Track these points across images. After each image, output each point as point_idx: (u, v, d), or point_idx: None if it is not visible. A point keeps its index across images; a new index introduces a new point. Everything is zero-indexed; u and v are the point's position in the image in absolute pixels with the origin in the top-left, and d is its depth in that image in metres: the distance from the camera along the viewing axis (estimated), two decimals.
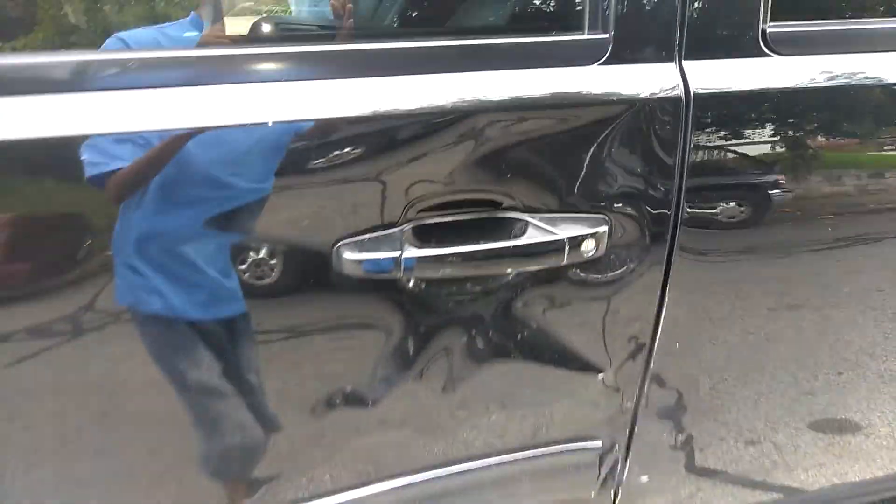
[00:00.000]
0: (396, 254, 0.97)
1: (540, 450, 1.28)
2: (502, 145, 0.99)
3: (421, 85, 0.95)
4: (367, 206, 0.96)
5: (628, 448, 1.35)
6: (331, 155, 0.92)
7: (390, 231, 0.98)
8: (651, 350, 1.22)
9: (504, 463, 1.27)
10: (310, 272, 0.98)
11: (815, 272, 1.27)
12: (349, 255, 0.96)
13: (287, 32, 1.22)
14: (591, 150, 1.02)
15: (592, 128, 1.02)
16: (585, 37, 1.02)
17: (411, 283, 1.02)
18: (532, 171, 1.02)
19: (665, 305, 1.17)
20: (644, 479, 1.41)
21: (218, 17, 1.04)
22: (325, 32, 1.22)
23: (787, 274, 1.25)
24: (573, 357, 1.20)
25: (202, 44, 0.99)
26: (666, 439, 1.38)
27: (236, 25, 1.11)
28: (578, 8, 1.04)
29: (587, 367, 1.21)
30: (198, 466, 1.10)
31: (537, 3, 1.25)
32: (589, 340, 1.19)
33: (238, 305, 0.98)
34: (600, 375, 1.22)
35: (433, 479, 1.23)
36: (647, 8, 1.02)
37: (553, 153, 1.02)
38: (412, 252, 0.98)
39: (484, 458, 1.26)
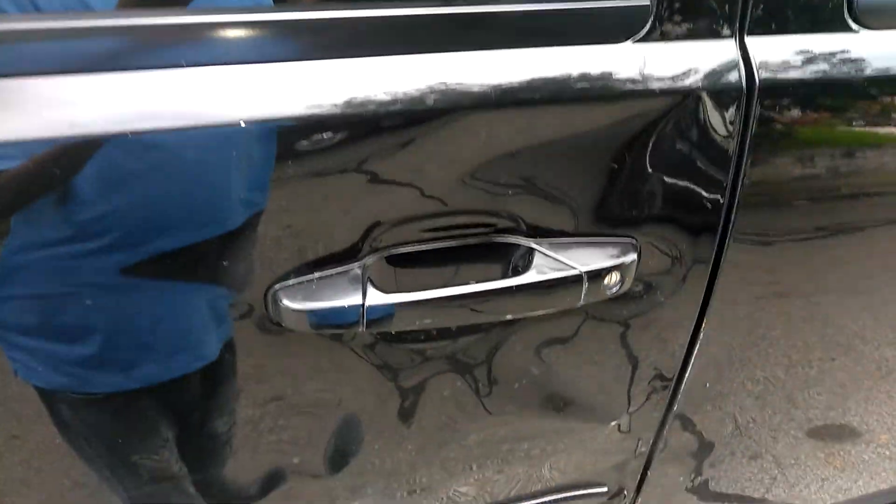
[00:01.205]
0: (356, 300, 0.71)
1: (537, 500, 1.06)
2: (501, 149, 0.72)
3: (385, 69, 0.67)
4: (314, 232, 0.70)
5: (637, 492, 1.14)
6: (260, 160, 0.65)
7: (347, 267, 0.72)
8: (676, 391, 0.99)
9: None
10: (234, 329, 0.72)
11: None
12: (289, 302, 0.70)
13: None
14: (618, 154, 0.76)
15: (621, 126, 0.75)
16: (617, 3, 0.74)
17: (376, 338, 0.77)
18: (539, 183, 0.76)
19: (698, 343, 0.94)
20: None
21: None
22: None
23: (857, 317, 1.02)
24: (582, 402, 0.97)
25: None
26: (682, 482, 1.17)
27: None
28: None
29: (598, 412, 0.99)
30: None
31: None
32: (602, 383, 0.95)
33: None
34: (613, 422, 1.00)
35: None
36: None
37: (568, 159, 0.76)
38: (377, 297, 0.72)
39: None
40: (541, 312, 0.80)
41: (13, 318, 0.63)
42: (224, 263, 0.67)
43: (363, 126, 0.66)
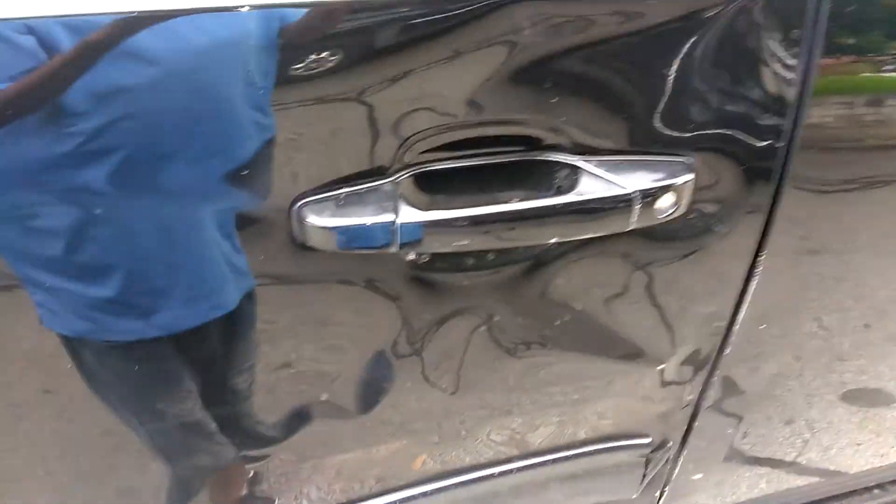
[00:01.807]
0: (389, 218, 0.65)
1: (578, 450, 1.00)
2: (544, 51, 0.65)
3: None
4: (342, 144, 0.64)
5: (683, 444, 1.07)
6: (281, 64, 0.58)
7: (378, 182, 0.66)
8: (729, 333, 0.92)
9: (533, 466, 0.99)
10: (257, 249, 0.66)
11: None
12: (315, 219, 0.64)
13: None
14: (674, 57, 0.68)
15: (676, 22, 0.67)
16: None
17: (413, 256, 0.71)
18: (586, 92, 0.68)
19: (755, 277, 0.86)
20: (698, 476, 1.15)
21: None
22: None
23: None
24: (628, 343, 0.90)
25: None
26: (731, 433, 1.10)
27: None
28: None
29: (645, 355, 0.92)
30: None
31: None
32: (649, 323, 0.88)
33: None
34: (660, 366, 0.93)
35: (446, 488, 0.96)
36: None
37: (617, 64, 0.69)
38: (411, 214, 0.66)
39: (507, 462, 0.98)
40: (587, 236, 0.73)
41: (34, 254, 0.60)
42: (245, 176, 0.61)
43: (395, 23, 0.59)
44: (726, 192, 0.78)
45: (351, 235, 0.65)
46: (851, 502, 1.68)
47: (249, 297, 0.69)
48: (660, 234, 0.79)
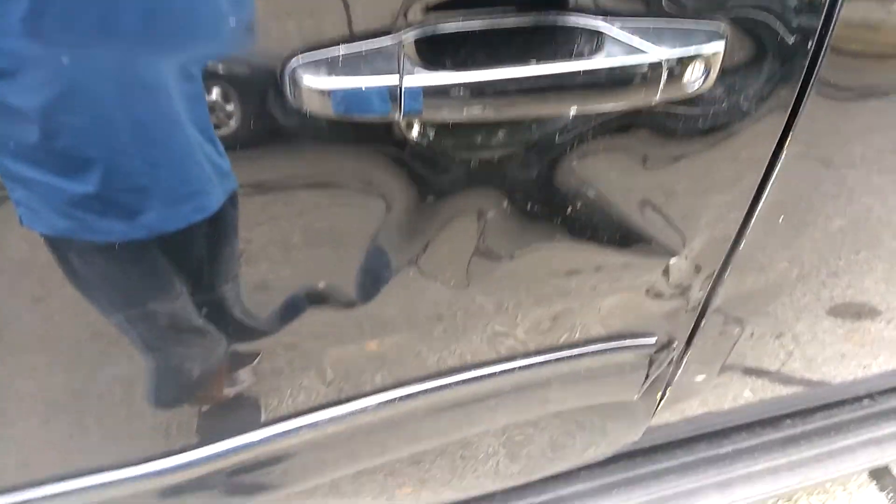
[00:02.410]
0: (392, 80, 0.59)
1: (581, 349, 0.97)
2: None
3: None
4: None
5: (688, 344, 1.05)
6: None
7: (381, 41, 0.59)
8: (745, 224, 0.88)
9: (535, 365, 0.96)
10: (247, 116, 0.60)
11: None
12: (311, 81, 0.57)
13: None
14: None
15: None
16: None
17: (416, 131, 0.65)
18: None
19: (779, 164, 0.81)
20: (700, 378, 1.13)
21: None
22: None
23: None
24: (639, 237, 0.86)
25: None
26: (737, 333, 1.07)
27: None
28: None
29: (655, 250, 0.87)
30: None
31: None
32: (664, 213, 0.83)
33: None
34: (672, 259, 0.89)
35: (446, 386, 0.93)
36: None
37: None
38: (419, 77, 0.59)
39: (509, 361, 0.95)
40: (608, 108, 0.67)
41: (9, 142, 0.56)
42: (233, 31, 0.54)
43: None
44: (755, 71, 0.72)
45: (350, 100, 0.58)
46: (842, 411, 1.70)
47: (233, 201, 0.65)
48: (681, 114, 0.73)
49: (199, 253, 0.69)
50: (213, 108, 0.58)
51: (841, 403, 1.71)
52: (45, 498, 0.83)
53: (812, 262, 1.02)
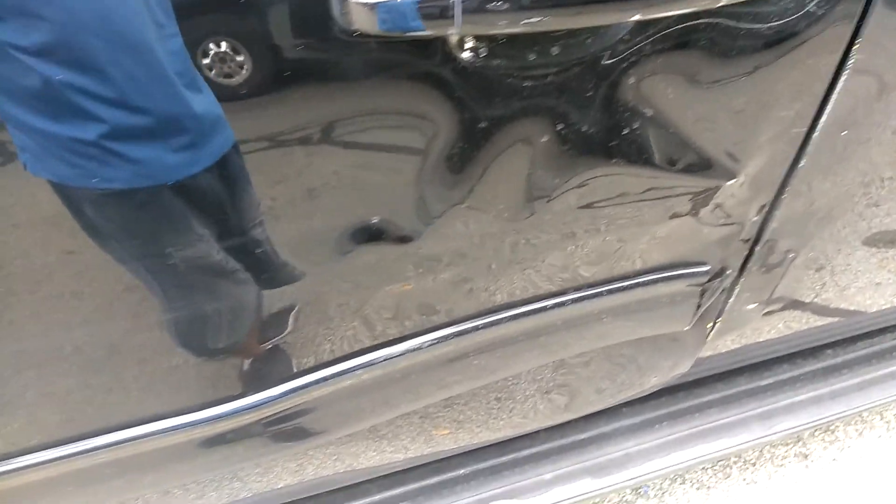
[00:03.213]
0: None
1: (634, 280, 0.94)
2: None
3: None
4: None
5: (741, 272, 1.01)
6: None
7: None
8: (806, 142, 0.83)
9: (586, 299, 0.93)
10: (297, 38, 0.56)
11: None
12: None
13: None
14: None
15: None
16: None
17: (469, 48, 0.60)
18: None
19: (844, 74, 0.76)
20: (751, 307, 1.10)
21: None
22: None
23: None
24: (696, 157, 0.81)
25: None
26: (788, 261, 1.03)
27: None
28: None
29: (712, 171, 0.83)
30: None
31: None
32: (724, 130, 0.79)
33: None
34: (730, 182, 0.85)
35: (496, 322, 0.90)
36: None
37: None
38: None
39: (560, 295, 0.92)
40: (672, 13, 0.62)
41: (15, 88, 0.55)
42: None
43: None
44: None
45: (397, 13, 0.54)
46: (884, 339, 1.67)
47: (236, 149, 0.64)
48: (744, 25, 0.68)
49: (214, 197, 0.67)
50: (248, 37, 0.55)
51: (882, 331, 1.68)
52: (88, 451, 0.83)
53: (861, 187, 0.97)
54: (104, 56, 0.55)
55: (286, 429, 0.94)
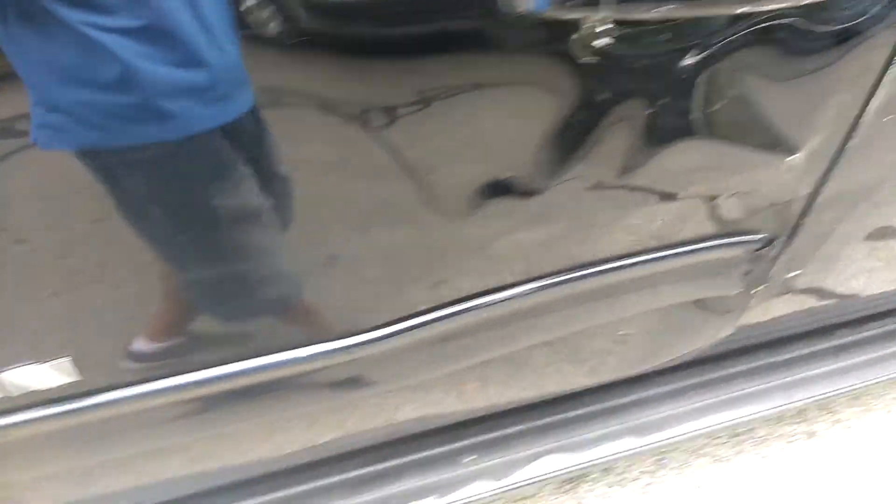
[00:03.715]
0: None
1: (695, 245, 1.07)
2: None
3: None
4: None
5: (789, 240, 1.14)
6: None
7: None
8: (857, 124, 0.97)
9: (651, 261, 1.06)
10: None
11: None
12: None
13: None
14: None
15: None
16: None
17: (602, 33, 0.73)
18: None
19: (893, 67, 0.90)
20: (793, 274, 1.23)
21: None
22: None
23: None
24: (763, 134, 0.94)
25: None
26: (830, 231, 1.17)
27: None
28: None
29: (779, 146, 0.96)
30: None
31: None
32: (791, 112, 0.92)
33: None
34: (791, 156, 0.98)
35: (570, 280, 1.03)
36: None
37: None
38: None
39: (627, 257, 1.04)
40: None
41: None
42: None
43: None
44: None
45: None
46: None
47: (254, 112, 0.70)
48: (813, 25, 0.81)
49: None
50: None
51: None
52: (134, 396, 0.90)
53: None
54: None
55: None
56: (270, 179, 0.77)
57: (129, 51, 0.61)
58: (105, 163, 0.69)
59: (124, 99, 0.64)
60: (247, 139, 0.72)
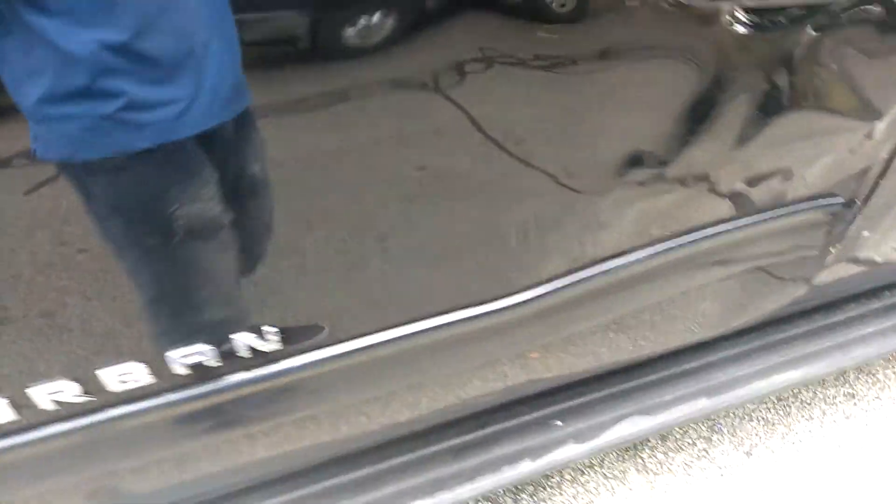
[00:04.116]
0: None
1: (784, 209, 1.15)
2: None
3: None
4: None
5: (865, 203, 1.22)
6: None
7: None
8: None
9: (742, 227, 1.13)
10: None
11: None
12: None
13: None
14: None
15: None
16: None
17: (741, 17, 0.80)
18: None
19: None
20: (866, 234, 1.31)
21: None
22: None
23: None
24: (848, 101, 1.02)
25: None
26: None
27: None
28: None
29: (866, 112, 1.04)
30: None
31: None
32: (875, 81, 1.00)
33: None
34: (877, 122, 1.06)
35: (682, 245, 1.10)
36: None
37: None
38: None
39: (718, 224, 1.12)
40: None
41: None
42: None
43: None
44: None
45: None
46: None
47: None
48: None
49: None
50: None
51: None
52: None
53: None
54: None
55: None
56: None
57: (103, 62, 0.61)
58: (87, 172, 0.69)
59: (101, 110, 0.63)
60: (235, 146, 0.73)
